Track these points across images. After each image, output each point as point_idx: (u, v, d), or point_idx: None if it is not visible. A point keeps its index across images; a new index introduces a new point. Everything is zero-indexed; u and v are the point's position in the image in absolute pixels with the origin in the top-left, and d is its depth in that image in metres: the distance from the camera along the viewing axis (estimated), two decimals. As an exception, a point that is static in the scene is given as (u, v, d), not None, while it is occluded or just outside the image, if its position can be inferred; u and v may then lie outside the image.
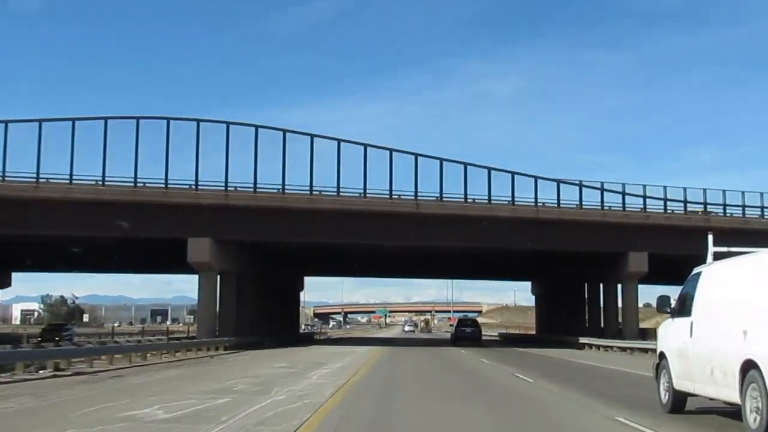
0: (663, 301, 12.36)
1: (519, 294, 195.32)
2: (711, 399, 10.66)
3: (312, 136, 38.81)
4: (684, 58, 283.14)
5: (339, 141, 39.13)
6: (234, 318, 43.30)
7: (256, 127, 38.19)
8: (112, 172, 36.55)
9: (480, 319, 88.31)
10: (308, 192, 38.70)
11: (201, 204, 37.35)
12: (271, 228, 38.87)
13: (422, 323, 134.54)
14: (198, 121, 37.37)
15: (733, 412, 10.25)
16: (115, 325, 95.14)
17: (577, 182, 43.52)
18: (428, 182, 40.53)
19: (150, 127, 37.08)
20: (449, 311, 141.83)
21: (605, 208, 43.18)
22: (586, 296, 55.04)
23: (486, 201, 41.01)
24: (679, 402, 11.63)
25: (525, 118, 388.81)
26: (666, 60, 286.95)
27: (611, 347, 38.62)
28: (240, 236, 39.06)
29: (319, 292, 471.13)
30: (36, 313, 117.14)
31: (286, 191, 38.39)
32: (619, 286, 46.70)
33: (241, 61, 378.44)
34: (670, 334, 11.96)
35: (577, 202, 42.69)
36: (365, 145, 39.42)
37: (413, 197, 40.06)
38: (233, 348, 38.28)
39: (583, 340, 42.38)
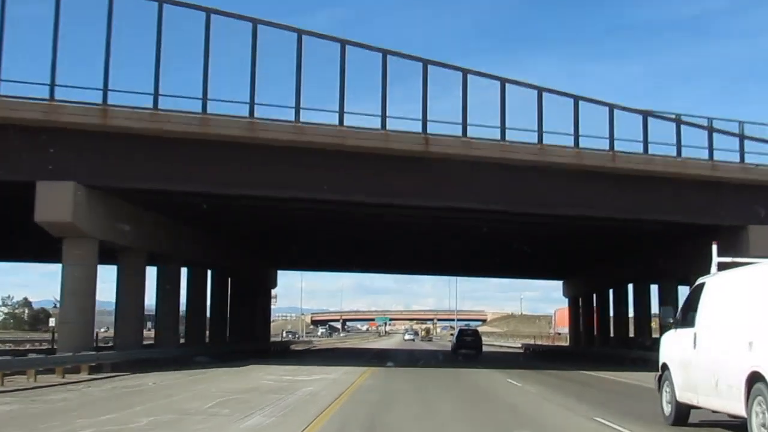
0: (666, 312, 13.16)
1: (524, 303, 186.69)
2: (715, 411, 10.27)
3: (254, 21, 23.49)
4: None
5: (299, 33, 23.84)
6: (137, 320, 28.12)
7: (160, 1, 22.85)
8: None
9: (485, 329, 76.52)
10: (247, 116, 23.47)
11: (61, 125, 21.97)
12: (182, 170, 23.45)
13: (422, 332, 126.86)
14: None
15: (738, 426, 9.83)
16: (102, 330, 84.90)
17: (674, 116, 28.31)
18: (444, 107, 25.54)
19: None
20: (452, 319, 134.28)
21: (713, 159, 28.06)
22: (656, 297, 40.07)
23: (535, 141, 25.93)
24: (682, 414, 11.28)
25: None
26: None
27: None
28: (129, 182, 23.15)
29: (321, 299, 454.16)
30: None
31: (209, 112, 23.17)
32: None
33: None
34: (674, 345, 11.68)
35: (674, 149, 27.55)
36: (343, 42, 24.22)
37: (420, 131, 24.90)
38: (122, 369, 23.19)
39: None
